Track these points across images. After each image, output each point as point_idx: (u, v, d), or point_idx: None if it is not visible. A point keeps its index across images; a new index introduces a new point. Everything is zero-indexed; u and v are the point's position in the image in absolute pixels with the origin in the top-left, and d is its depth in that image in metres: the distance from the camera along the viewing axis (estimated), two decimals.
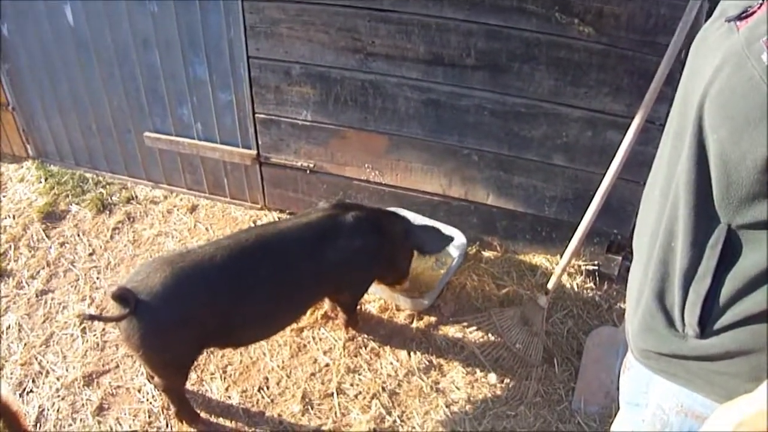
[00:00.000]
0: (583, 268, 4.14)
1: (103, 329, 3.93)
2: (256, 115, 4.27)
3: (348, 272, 3.54)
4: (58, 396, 3.59)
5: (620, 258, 4.10)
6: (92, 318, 3.26)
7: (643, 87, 3.17)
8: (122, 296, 2.85)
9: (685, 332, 1.59)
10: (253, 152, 4.45)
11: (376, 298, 4.07)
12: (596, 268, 4.14)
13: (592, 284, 4.12)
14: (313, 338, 3.85)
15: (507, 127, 3.79)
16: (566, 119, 3.66)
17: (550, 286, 3.68)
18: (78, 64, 4.53)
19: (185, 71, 4.27)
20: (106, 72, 4.49)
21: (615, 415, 2.46)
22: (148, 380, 3.61)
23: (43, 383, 3.66)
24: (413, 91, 3.82)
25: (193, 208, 4.86)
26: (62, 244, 4.56)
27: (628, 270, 3.51)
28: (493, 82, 3.66)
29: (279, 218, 4.67)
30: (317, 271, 3.39)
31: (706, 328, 1.54)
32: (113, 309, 2.93)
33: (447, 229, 4.04)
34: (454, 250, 4.11)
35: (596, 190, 3.35)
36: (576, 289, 4.09)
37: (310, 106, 4.10)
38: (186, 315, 3.00)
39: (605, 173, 3.29)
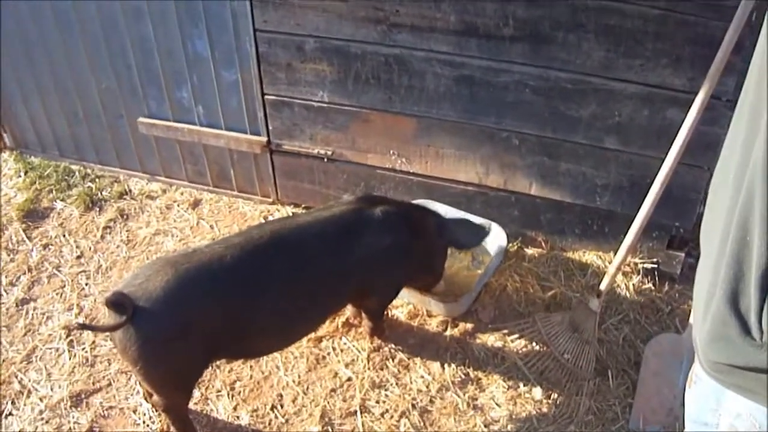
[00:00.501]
0: (640, 266, 4.11)
1: (93, 342, 3.92)
2: (266, 97, 4.26)
3: (376, 274, 3.52)
4: (42, 419, 3.58)
5: (683, 255, 4.07)
6: (82, 327, 3.24)
7: (708, 57, 3.13)
8: (117, 302, 2.80)
9: (763, 341, 1.56)
10: (263, 139, 4.45)
11: (404, 302, 4.06)
12: (655, 266, 4.11)
13: (650, 285, 4.10)
14: (333, 349, 3.85)
15: (551, 106, 3.77)
16: (619, 96, 3.63)
17: (602, 287, 3.65)
18: (59, 41, 4.54)
19: (183, 47, 4.28)
20: (91, 49, 4.50)
21: None
22: (146, 399, 3.61)
23: (25, 405, 3.65)
24: (444, 66, 3.80)
25: (196, 203, 4.87)
26: (46, 246, 4.58)
27: (692, 268, 3.53)
28: (534, 54, 3.63)
29: (294, 213, 4.66)
30: (341, 272, 3.38)
31: None
32: (106, 318, 2.90)
33: (484, 224, 3.97)
34: (492, 248, 4.09)
35: (654, 177, 3.33)
36: (632, 291, 4.06)
37: (327, 86, 4.09)
38: (191, 323, 2.96)
39: (665, 158, 3.27)
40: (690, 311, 3.82)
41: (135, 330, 2.85)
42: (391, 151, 4.24)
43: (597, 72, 3.60)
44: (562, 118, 3.80)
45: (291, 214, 4.59)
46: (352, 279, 3.45)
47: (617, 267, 3.57)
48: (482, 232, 3.78)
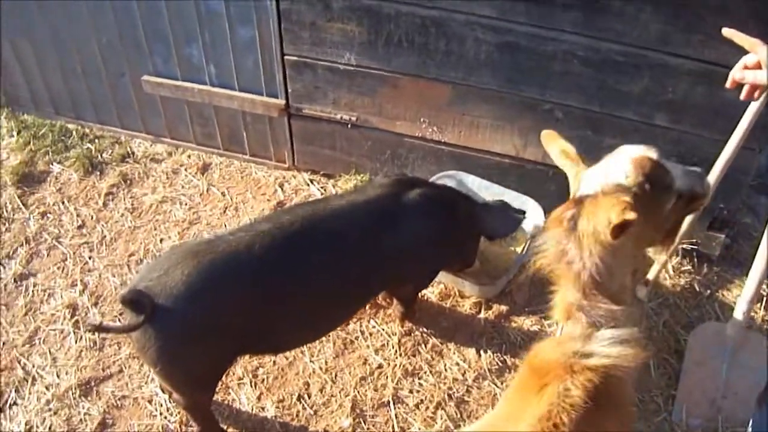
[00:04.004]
0: (679, 247, 3.86)
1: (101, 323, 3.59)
2: (286, 57, 4.01)
3: (413, 262, 3.29)
4: (50, 410, 3.31)
5: (723, 236, 3.87)
6: (97, 329, 3.00)
7: None
8: (135, 300, 2.57)
9: None
10: (281, 102, 4.20)
11: (435, 282, 3.79)
12: (695, 247, 3.90)
13: (689, 267, 3.90)
14: (362, 332, 3.61)
15: (600, 79, 3.54)
16: (674, 72, 3.42)
17: (650, 275, 3.47)
18: None
19: (195, 1, 4.00)
20: (92, 1, 4.22)
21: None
22: (162, 390, 3.33)
23: (30, 393, 3.37)
24: (486, 31, 3.55)
25: (205, 168, 4.59)
26: (43, 215, 4.29)
27: (728, 249, 3.47)
28: (587, 23, 3.42)
29: (311, 180, 4.46)
30: (377, 261, 3.14)
31: None
32: (123, 311, 2.71)
33: (519, 199, 3.82)
34: (528, 224, 3.83)
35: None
36: (672, 273, 3.85)
37: (355, 47, 3.85)
38: (215, 322, 2.72)
39: (723, 138, 3.13)
40: (731, 297, 3.72)
41: (154, 330, 2.64)
42: (422, 119, 3.99)
43: (653, 46, 3.37)
44: (610, 92, 3.57)
45: (321, 197, 4.20)
46: (388, 267, 3.19)
47: (669, 255, 3.37)
48: (514, 222, 3.53)
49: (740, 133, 3.04)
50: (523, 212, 3.56)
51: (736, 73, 2.22)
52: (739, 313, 3.23)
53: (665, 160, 2.09)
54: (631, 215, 1.81)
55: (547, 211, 3.88)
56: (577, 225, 2.00)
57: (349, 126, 4.17)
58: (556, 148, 2.51)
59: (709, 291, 3.80)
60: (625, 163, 2.03)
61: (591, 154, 3.72)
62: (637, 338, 2.01)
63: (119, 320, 3.54)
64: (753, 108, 2.96)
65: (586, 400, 1.89)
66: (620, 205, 1.85)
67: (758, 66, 2.12)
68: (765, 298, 3.64)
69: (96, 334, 3.60)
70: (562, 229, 2.06)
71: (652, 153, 2.05)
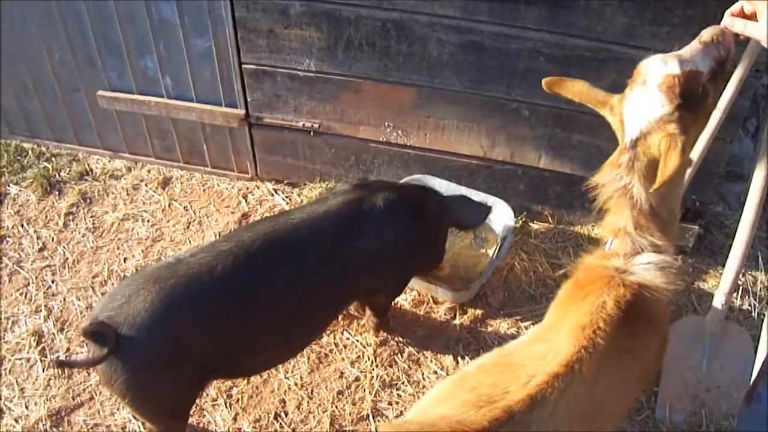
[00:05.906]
0: None
1: (68, 350, 3.49)
2: (244, 66, 3.91)
3: (383, 270, 3.17)
4: None
5: (696, 227, 3.80)
6: (61, 365, 2.97)
7: None
8: (97, 332, 2.46)
9: None
10: (240, 112, 4.09)
11: (407, 289, 3.67)
12: None
13: None
14: (336, 345, 3.49)
15: (567, 75, 3.32)
16: None
17: None
18: (2, 5, 4.11)
19: (147, 11, 3.85)
20: (41, 14, 4.08)
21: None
22: (134, 417, 3.18)
23: None
24: (449, 32, 3.48)
25: (166, 182, 4.44)
26: (2, 239, 4.14)
27: (701, 240, 3.40)
28: (552, 20, 3.35)
29: (275, 189, 4.34)
30: (345, 273, 3.01)
31: None
32: (87, 342, 2.57)
33: (488, 200, 3.70)
34: (497, 225, 3.78)
35: None
36: None
37: (314, 54, 3.75)
38: (182, 348, 2.62)
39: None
40: (707, 287, 3.68)
41: (120, 362, 2.52)
42: (386, 123, 3.89)
43: (619, 40, 3.34)
44: None
45: (283, 211, 4.11)
46: (357, 278, 3.08)
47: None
48: (485, 210, 3.47)
49: (713, 124, 2.96)
50: (489, 205, 3.53)
51: (726, 20, 2.13)
52: (717, 305, 3.17)
53: (682, 55, 2.04)
54: (682, 154, 1.88)
55: (516, 212, 3.87)
56: (634, 166, 2.03)
57: (312, 133, 4.09)
58: (568, 94, 2.38)
59: (683, 283, 3.70)
60: (654, 93, 2.00)
61: (560, 151, 3.68)
62: (675, 266, 2.12)
63: (86, 346, 3.41)
64: (725, 98, 2.90)
65: (621, 314, 2.01)
66: (671, 144, 1.90)
67: (753, 17, 2.06)
68: (741, 288, 3.56)
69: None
70: (620, 169, 2.07)
71: (673, 66, 2.00)
